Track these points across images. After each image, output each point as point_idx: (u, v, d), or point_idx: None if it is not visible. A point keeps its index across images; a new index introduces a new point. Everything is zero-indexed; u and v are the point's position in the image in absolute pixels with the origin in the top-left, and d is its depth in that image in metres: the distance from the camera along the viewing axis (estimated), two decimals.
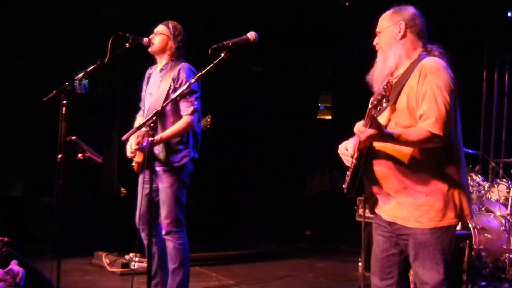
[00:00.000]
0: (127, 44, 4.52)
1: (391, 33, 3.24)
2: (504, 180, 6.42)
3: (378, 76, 3.26)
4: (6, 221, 6.99)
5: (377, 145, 3.11)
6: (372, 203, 3.28)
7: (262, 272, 6.71)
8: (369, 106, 2.85)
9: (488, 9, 8.51)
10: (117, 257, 6.38)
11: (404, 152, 3.06)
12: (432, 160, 3.06)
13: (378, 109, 2.83)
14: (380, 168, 3.13)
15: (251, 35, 3.68)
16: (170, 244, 4.75)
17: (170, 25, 4.82)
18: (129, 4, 7.94)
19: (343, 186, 3.31)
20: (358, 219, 6.38)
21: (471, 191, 6.52)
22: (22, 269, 4.64)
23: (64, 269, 4.62)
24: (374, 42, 3.34)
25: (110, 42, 4.34)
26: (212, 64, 3.62)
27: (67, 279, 5.59)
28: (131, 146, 4.75)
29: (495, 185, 6.41)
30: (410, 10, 3.29)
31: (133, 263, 6.15)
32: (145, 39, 4.73)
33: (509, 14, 8.81)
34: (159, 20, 4.91)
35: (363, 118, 2.95)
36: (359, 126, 2.92)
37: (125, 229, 7.08)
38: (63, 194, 4.24)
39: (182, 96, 4.54)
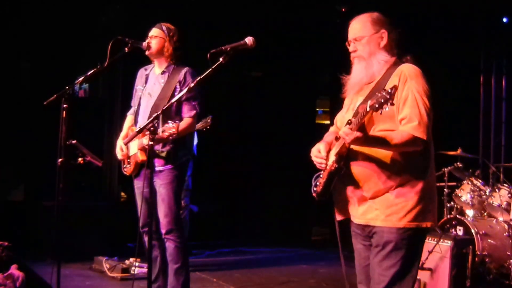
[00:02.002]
0: (126, 49, 4.53)
1: (375, 41, 3.23)
2: (506, 185, 6.41)
3: (358, 83, 3.27)
4: (7, 225, 6.97)
5: (356, 148, 3.09)
6: (341, 207, 3.26)
7: (264, 277, 6.68)
8: (367, 109, 2.82)
9: (484, 14, 8.54)
10: (117, 262, 6.35)
11: (382, 154, 3.06)
12: (409, 163, 3.06)
13: (380, 112, 2.81)
14: (359, 170, 3.11)
15: (249, 40, 3.68)
16: (171, 244, 4.69)
17: (164, 27, 4.84)
18: (128, 8, 7.96)
19: (314, 189, 3.25)
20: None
21: (473, 196, 6.51)
22: (22, 273, 4.61)
23: (64, 274, 4.61)
24: (351, 49, 3.29)
25: (109, 46, 4.34)
26: (210, 69, 3.63)
27: (67, 284, 5.57)
28: (121, 148, 4.77)
29: (496, 190, 6.39)
30: (385, 18, 3.28)
31: (133, 268, 6.13)
32: (144, 44, 4.75)
33: (504, 19, 8.85)
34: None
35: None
36: (345, 129, 2.93)
37: (125, 234, 7.10)
38: (63, 198, 4.23)
39: (186, 99, 4.64)
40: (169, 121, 4.30)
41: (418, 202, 3.06)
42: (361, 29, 3.26)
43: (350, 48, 3.30)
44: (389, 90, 2.76)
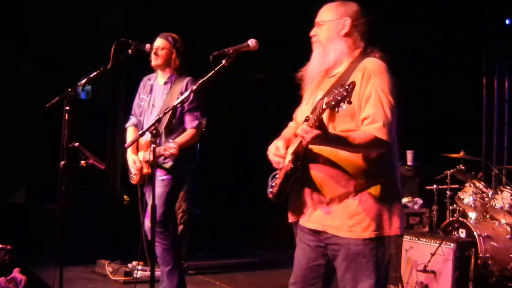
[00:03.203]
0: (129, 51, 4.53)
1: (335, 28, 3.05)
2: (508, 187, 6.38)
3: (314, 71, 3.13)
4: (9, 228, 6.96)
5: (315, 148, 2.89)
6: (295, 208, 3.06)
7: (267, 280, 6.68)
8: (323, 106, 2.62)
9: (486, 16, 8.53)
10: (120, 265, 6.34)
11: (342, 157, 2.87)
12: (370, 168, 2.88)
13: (336, 110, 2.60)
14: (317, 173, 2.91)
15: (252, 42, 3.66)
16: (158, 247, 4.70)
17: (170, 38, 4.86)
18: (131, 10, 7.95)
19: (270, 190, 3.05)
20: None
21: (475, 198, 6.49)
22: (25, 277, 4.61)
23: (66, 277, 4.62)
24: (312, 33, 3.14)
25: (112, 48, 4.34)
26: (213, 71, 3.60)
27: (70, 287, 5.56)
28: (134, 161, 4.79)
29: (499, 192, 6.37)
30: (355, 7, 3.09)
31: (136, 271, 6.11)
32: (147, 46, 4.76)
33: (507, 21, 8.84)
34: (160, 26, 4.92)
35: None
36: (304, 127, 2.71)
37: (128, 237, 7.07)
38: (65, 201, 4.23)
39: (189, 110, 4.73)
40: (170, 140, 4.39)
41: (382, 209, 2.88)
42: (324, 14, 3.11)
43: (311, 32, 3.14)
44: (347, 87, 2.57)
